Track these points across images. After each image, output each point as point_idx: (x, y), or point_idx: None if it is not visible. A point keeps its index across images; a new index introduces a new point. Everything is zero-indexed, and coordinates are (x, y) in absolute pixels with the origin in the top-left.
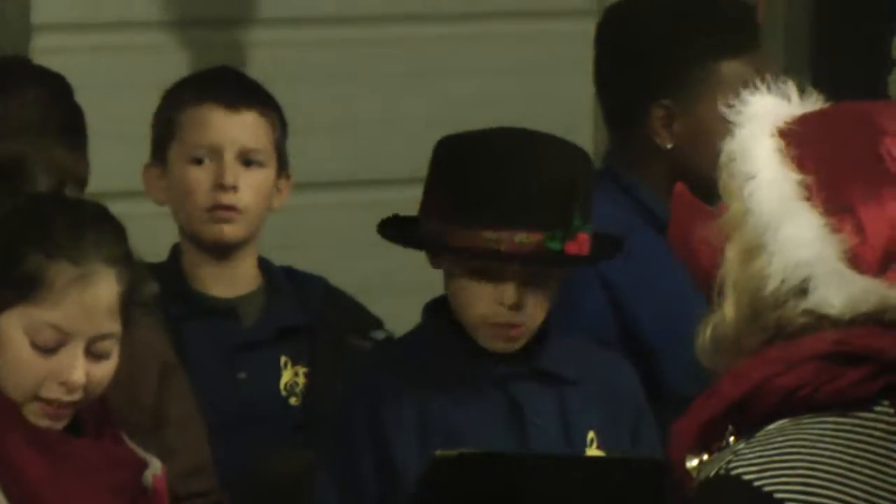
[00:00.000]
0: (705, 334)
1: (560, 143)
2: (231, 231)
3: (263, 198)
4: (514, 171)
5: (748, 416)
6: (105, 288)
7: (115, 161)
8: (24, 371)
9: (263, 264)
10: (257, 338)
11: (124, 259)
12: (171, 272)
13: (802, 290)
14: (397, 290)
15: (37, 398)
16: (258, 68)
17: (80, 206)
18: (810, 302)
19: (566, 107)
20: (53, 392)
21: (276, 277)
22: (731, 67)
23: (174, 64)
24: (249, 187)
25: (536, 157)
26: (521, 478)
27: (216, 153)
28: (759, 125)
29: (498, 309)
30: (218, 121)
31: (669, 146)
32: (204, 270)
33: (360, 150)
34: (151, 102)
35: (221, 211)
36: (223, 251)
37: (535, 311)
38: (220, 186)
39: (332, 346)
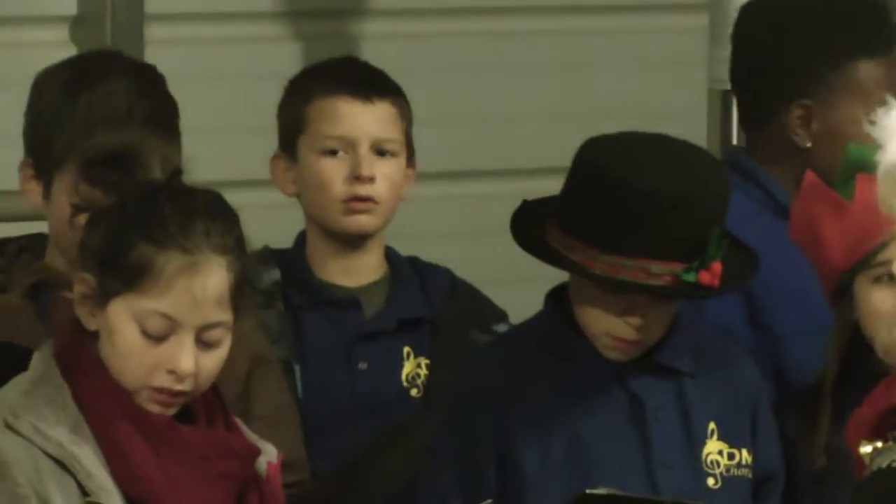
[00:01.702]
0: (892, 332)
1: (701, 160)
2: (368, 222)
3: (397, 188)
4: (655, 198)
5: None
6: (215, 277)
7: (235, 151)
8: (134, 359)
9: (389, 254)
10: (379, 328)
11: (236, 247)
12: (295, 260)
13: None
14: (522, 279)
15: (147, 386)
16: (375, 60)
17: (192, 194)
18: None
19: (682, 99)
20: (163, 380)
21: (401, 268)
22: (868, 69)
23: (287, 55)
24: (384, 178)
25: (678, 181)
26: None
27: (350, 145)
28: None
29: (622, 327)
30: (352, 112)
31: (808, 145)
32: (329, 259)
33: (483, 141)
34: (264, 93)
35: (358, 203)
36: (354, 242)
37: (657, 328)
38: (356, 178)
39: (454, 338)
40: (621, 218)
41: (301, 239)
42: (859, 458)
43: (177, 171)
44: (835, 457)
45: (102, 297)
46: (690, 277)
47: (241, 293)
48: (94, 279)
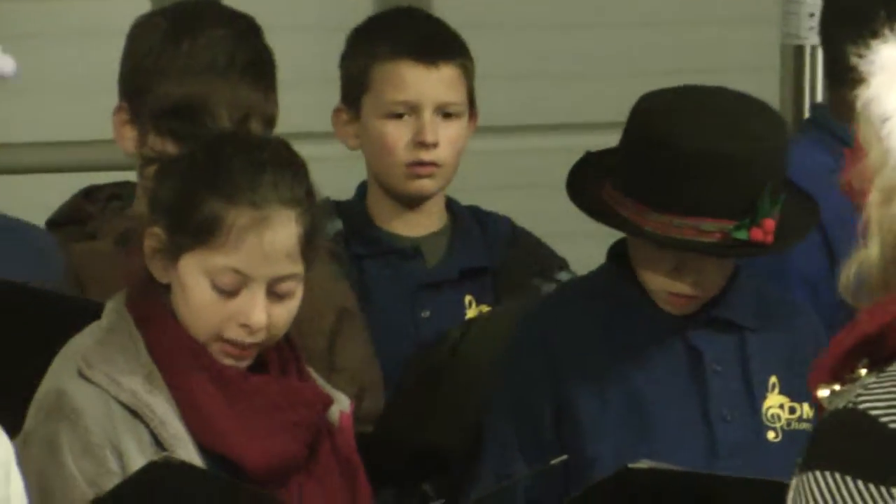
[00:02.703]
0: (849, 272)
1: (758, 115)
2: (430, 185)
3: (459, 149)
4: (706, 156)
5: (883, 351)
6: (284, 230)
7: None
8: (207, 313)
9: (450, 204)
10: (441, 277)
11: (305, 199)
12: (357, 211)
13: None
14: (585, 233)
15: (220, 339)
16: (459, 14)
17: (260, 145)
18: None
19: (755, 55)
20: (235, 333)
21: (463, 217)
22: None
23: (352, 3)
24: (448, 141)
25: (730, 139)
26: (705, 495)
27: (415, 109)
28: (892, 71)
29: (677, 284)
30: (417, 77)
31: None
32: (391, 211)
33: (547, 96)
34: (326, 43)
35: (421, 167)
36: (416, 200)
37: (713, 283)
38: (420, 144)
39: (517, 286)
40: (670, 176)
41: (362, 190)
42: (819, 402)
43: (248, 120)
44: None
45: (173, 252)
46: (742, 235)
47: (311, 244)
48: (165, 234)
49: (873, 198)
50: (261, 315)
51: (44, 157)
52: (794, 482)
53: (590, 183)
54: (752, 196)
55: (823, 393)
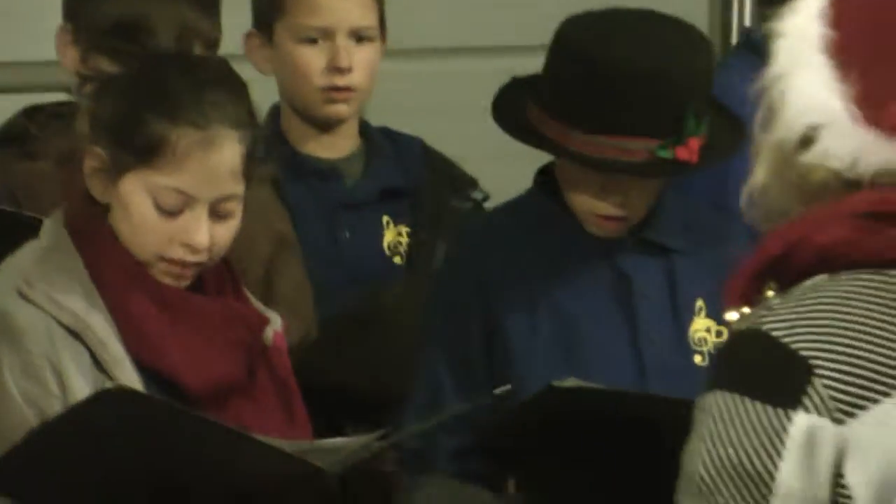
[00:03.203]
0: (744, 197)
1: (683, 35)
2: (345, 110)
3: (374, 71)
4: (630, 75)
5: (787, 273)
6: (228, 150)
7: None
8: (149, 233)
9: (363, 126)
10: (360, 198)
11: (247, 119)
12: (271, 135)
13: (809, 141)
14: (500, 156)
15: (161, 259)
16: None
17: (202, 65)
18: (816, 153)
19: None
20: (178, 253)
21: (376, 139)
22: None
23: None
24: (362, 65)
25: (654, 57)
26: (630, 414)
27: (328, 34)
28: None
29: (603, 204)
30: (329, 2)
31: None
32: (305, 133)
33: (469, 18)
34: None
35: (336, 92)
36: (332, 124)
37: (640, 204)
38: (335, 69)
39: (434, 205)
40: (593, 94)
41: (274, 113)
42: (728, 325)
43: (186, 39)
44: None
45: (115, 172)
46: (667, 153)
47: (252, 164)
48: (106, 153)
49: (757, 120)
50: (204, 235)
51: None
52: (698, 401)
53: (515, 106)
54: (676, 114)
55: (732, 316)
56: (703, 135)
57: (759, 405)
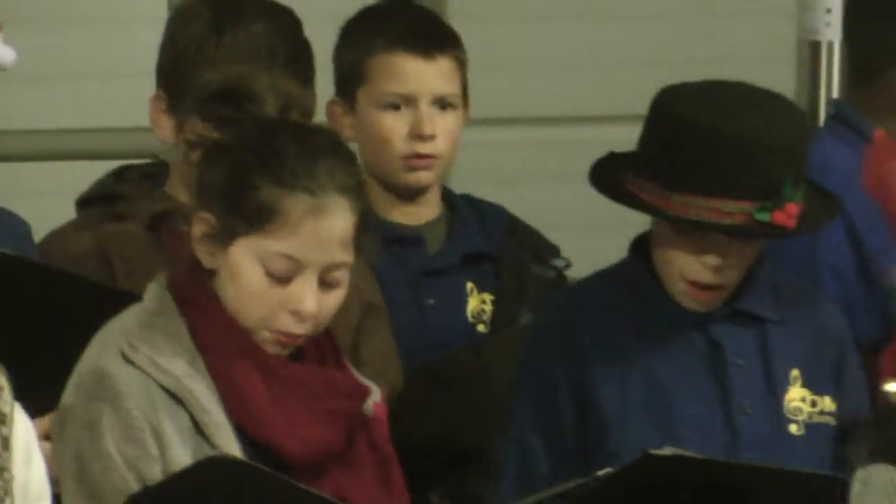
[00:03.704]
0: None
1: (780, 105)
2: (427, 178)
3: (456, 139)
4: (729, 138)
5: None
6: (340, 218)
7: None
8: (257, 299)
9: (445, 192)
10: (444, 264)
11: (357, 188)
12: None
13: None
14: (583, 226)
15: (268, 327)
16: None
17: (313, 133)
18: None
19: (772, 50)
20: (284, 321)
21: (459, 205)
22: None
23: None
24: (444, 133)
25: (750, 122)
26: (727, 484)
27: (411, 101)
28: None
29: (699, 270)
30: (413, 70)
31: None
32: (388, 201)
33: (559, 88)
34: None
35: (419, 160)
36: (414, 192)
37: (737, 272)
38: (417, 136)
39: (517, 272)
40: (692, 157)
41: None
42: (884, 395)
43: (290, 109)
44: None
45: (224, 238)
46: (764, 217)
47: (362, 233)
48: (215, 219)
49: None
50: (313, 303)
51: (49, 144)
52: (858, 473)
53: (612, 174)
54: (774, 179)
55: (891, 387)
56: (800, 202)
57: None
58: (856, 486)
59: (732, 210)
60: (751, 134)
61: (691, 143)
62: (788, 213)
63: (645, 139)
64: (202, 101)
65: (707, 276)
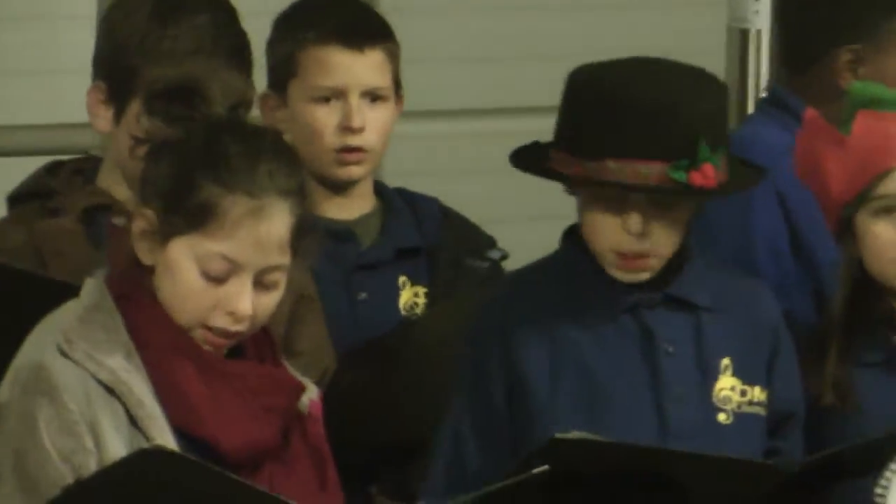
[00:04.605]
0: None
1: (692, 72)
2: (358, 171)
3: (387, 132)
4: (637, 100)
5: None
6: (278, 221)
7: None
8: (193, 298)
9: (378, 186)
10: (376, 258)
11: (298, 190)
12: None
13: None
14: (517, 218)
15: (203, 325)
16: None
17: (257, 134)
18: None
19: (702, 39)
20: (220, 321)
21: (392, 199)
22: None
23: None
24: (375, 126)
25: (662, 85)
26: (636, 467)
27: (341, 94)
28: None
29: (624, 237)
30: (343, 63)
31: None
32: (321, 195)
33: (493, 80)
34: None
35: (349, 153)
36: (345, 185)
37: (664, 240)
38: (347, 129)
39: (450, 265)
40: (603, 120)
41: None
42: None
43: (238, 107)
44: (841, 393)
45: (163, 235)
46: (679, 176)
47: (300, 235)
48: (156, 216)
49: None
50: (248, 304)
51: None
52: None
53: (533, 153)
54: (688, 137)
55: None
56: (720, 166)
57: None
58: (892, 490)
59: (647, 172)
60: (662, 93)
61: (601, 107)
62: (705, 174)
63: (560, 114)
64: (152, 97)
65: (632, 243)
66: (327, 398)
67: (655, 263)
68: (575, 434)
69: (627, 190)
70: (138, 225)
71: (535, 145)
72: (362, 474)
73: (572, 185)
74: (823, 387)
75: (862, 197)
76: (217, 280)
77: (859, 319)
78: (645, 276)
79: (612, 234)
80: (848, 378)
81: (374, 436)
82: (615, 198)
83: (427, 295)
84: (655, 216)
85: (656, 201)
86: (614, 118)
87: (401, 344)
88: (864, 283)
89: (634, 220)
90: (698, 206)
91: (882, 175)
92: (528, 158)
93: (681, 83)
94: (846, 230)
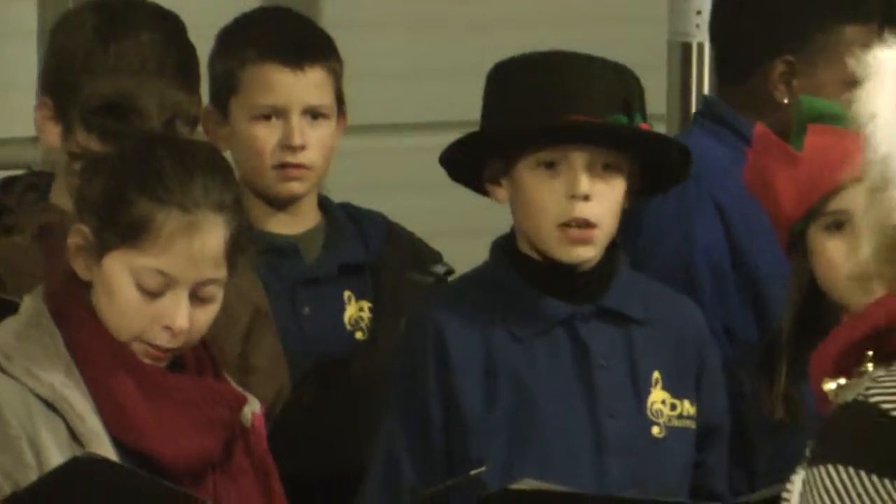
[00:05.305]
0: (847, 272)
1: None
2: (300, 188)
3: (329, 149)
4: (573, 65)
5: (889, 345)
6: (212, 236)
7: None
8: (129, 313)
9: (323, 201)
10: (320, 273)
11: (233, 205)
12: None
13: None
14: (462, 232)
15: (140, 340)
16: (331, 13)
17: (191, 149)
18: None
19: (640, 53)
20: (157, 336)
21: (336, 214)
22: (855, 33)
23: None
24: (316, 143)
25: (591, 58)
26: None
27: (282, 112)
28: (884, 75)
29: (569, 206)
30: (283, 81)
31: (786, 101)
32: (263, 211)
33: (437, 95)
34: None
35: (290, 170)
36: (287, 201)
37: (605, 208)
38: (288, 147)
39: (394, 280)
40: (536, 82)
41: None
42: (823, 395)
43: (175, 121)
44: (792, 408)
45: (98, 250)
46: (620, 119)
47: (236, 249)
48: (91, 231)
49: (860, 200)
50: (184, 319)
51: None
52: (803, 476)
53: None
54: (624, 99)
55: (830, 386)
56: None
57: (874, 478)
58: (801, 489)
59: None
60: (594, 60)
61: (536, 74)
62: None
63: (490, 99)
64: (87, 113)
65: (578, 210)
66: (284, 417)
67: (599, 237)
68: (528, 483)
69: (576, 130)
70: (74, 240)
71: (458, 143)
72: (308, 494)
73: (516, 144)
74: (774, 402)
75: (813, 212)
76: (153, 294)
77: (808, 334)
78: (590, 253)
79: (555, 204)
80: (798, 393)
81: (327, 458)
82: (558, 160)
83: (372, 310)
84: (596, 178)
85: (600, 162)
86: (551, 79)
87: (363, 366)
88: (813, 297)
89: (580, 180)
90: (631, 200)
91: (834, 191)
92: (461, 159)
93: (604, 60)
94: (797, 245)
